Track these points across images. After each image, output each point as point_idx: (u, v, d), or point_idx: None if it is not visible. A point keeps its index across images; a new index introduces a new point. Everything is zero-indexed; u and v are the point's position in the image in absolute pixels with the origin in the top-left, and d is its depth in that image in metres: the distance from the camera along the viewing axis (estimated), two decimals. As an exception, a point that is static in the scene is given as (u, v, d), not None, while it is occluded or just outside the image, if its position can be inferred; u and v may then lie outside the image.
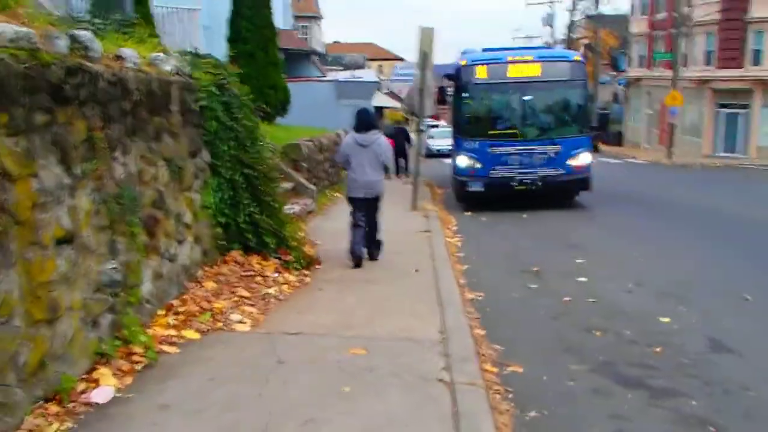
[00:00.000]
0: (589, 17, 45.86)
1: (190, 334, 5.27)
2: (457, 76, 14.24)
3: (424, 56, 12.93)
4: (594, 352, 5.31)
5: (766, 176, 23.25)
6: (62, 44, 4.16)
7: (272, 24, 17.50)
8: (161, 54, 5.92)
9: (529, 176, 13.67)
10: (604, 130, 15.44)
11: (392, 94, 33.48)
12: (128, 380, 4.36)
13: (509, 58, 14.29)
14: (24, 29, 3.71)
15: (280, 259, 7.48)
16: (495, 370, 4.95)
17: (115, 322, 4.69)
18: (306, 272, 7.52)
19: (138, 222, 5.05)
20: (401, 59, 69.55)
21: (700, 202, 15.24)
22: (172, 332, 5.22)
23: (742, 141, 31.85)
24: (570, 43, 44.80)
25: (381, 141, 8.28)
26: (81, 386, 4.09)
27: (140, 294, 5.11)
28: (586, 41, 46.36)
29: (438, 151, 30.42)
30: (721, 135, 32.68)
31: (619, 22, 43.91)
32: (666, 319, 6.10)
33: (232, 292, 6.28)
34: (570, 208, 14.06)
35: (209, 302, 5.90)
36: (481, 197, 13.98)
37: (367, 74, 31.46)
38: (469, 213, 13.73)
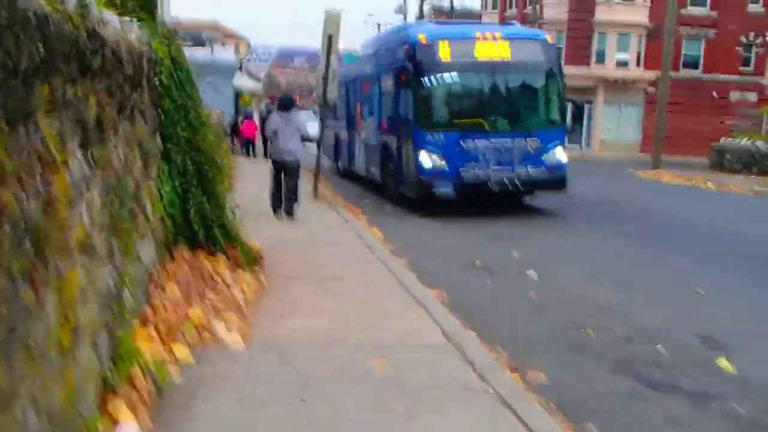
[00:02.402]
0: (436, 10, 47.09)
1: (181, 349, 4.53)
2: (412, 55, 11.70)
3: (329, 40, 12.41)
4: (601, 351, 5.28)
5: (609, 166, 25.19)
6: (72, 2, 3.31)
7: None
8: (127, 18, 5.01)
9: (506, 175, 11.67)
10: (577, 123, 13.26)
11: (250, 75, 32.24)
12: (144, 411, 3.63)
13: (477, 34, 12.02)
14: (57, -23, 2.88)
15: (226, 254, 6.76)
16: (518, 376, 4.74)
17: (111, 341, 3.89)
18: (256, 268, 6.86)
19: (128, 218, 4.24)
20: (245, 39, 67.33)
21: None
22: (160, 347, 4.46)
23: (586, 135, 34.49)
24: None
25: (300, 117, 10.89)
26: (101, 425, 3.33)
27: (124, 304, 4.30)
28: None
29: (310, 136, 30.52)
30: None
31: (470, 18, 45.52)
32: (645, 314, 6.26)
33: (201, 297, 5.53)
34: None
35: (183, 310, 5.14)
36: (448, 200, 11.80)
37: (226, 52, 29.95)
38: (368, 201, 13.47)
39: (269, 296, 6.07)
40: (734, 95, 34.91)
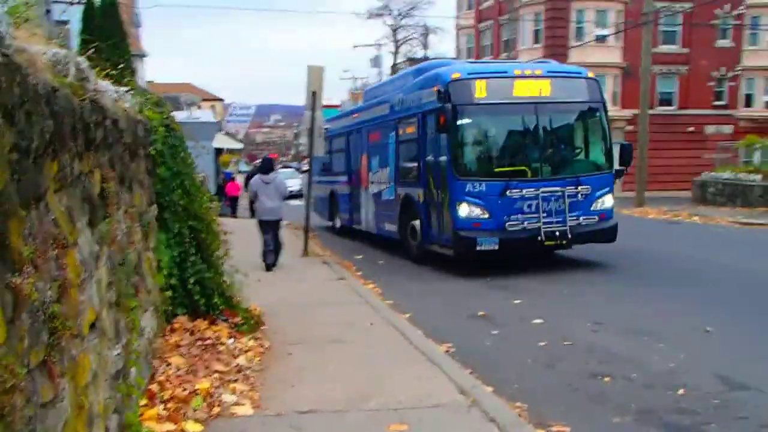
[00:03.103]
0: (411, 60, 47.97)
1: (193, 426, 4.31)
2: (446, 96, 10.36)
3: (313, 96, 12.46)
4: (621, 401, 5.12)
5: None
6: (73, 72, 3.23)
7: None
8: (119, 87, 4.94)
9: (557, 227, 10.42)
10: (628, 165, 11.65)
11: (229, 135, 32.30)
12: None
13: (516, 72, 10.88)
14: (63, 51, 2.80)
15: (227, 321, 6.58)
16: None
17: (120, 425, 3.68)
18: (258, 335, 6.67)
19: (133, 294, 4.08)
20: (220, 99, 68.04)
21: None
22: (171, 426, 4.24)
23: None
24: (394, 85, 46.51)
25: (280, 179, 11.70)
26: None
27: (131, 383, 4.10)
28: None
29: (291, 191, 31.01)
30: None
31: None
32: (656, 357, 6.13)
33: (207, 368, 5.33)
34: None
35: (190, 383, 4.93)
36: (491, 257, 10.51)
37: (205, 114, 30.03)
38: (361, 256, 13.33)
39: (275, 363, 5.85)
40: (709, 129, 35.56)
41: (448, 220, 10.66)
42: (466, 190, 10.34)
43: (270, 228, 11.11)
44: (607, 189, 10.99)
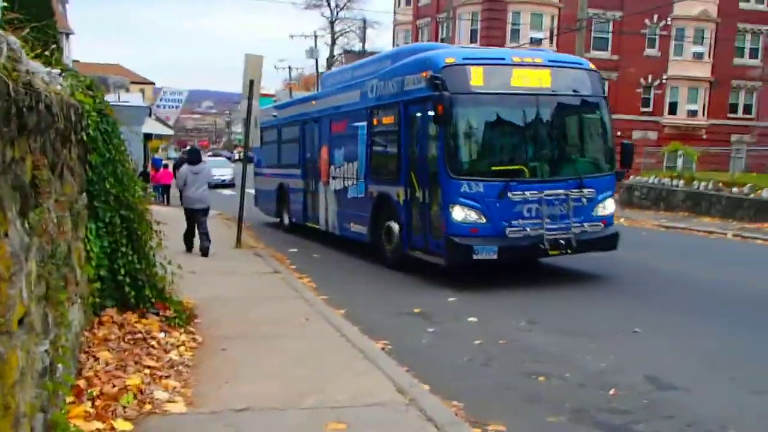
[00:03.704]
0: (348, 52, 47.86)
1: (123, 425, 4.14)
2: (438, 83, 9.07)
3: (251, 84, 12.23)
4: (555, 400, 5.23)
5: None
6: (5, 52, 3.03)
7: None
8: (50, 68, 4.69)
9: (562, 234, 9.40)
10: (629, 167, 11.21)
11: (160, 120, 31.39)
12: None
13: (515, 59, 9.75)
14: (-2, 29, 2.61)
15: (158, 314, 6.37)
16: (480, 431, 4.62)
17: (46, 424, 3.50)
18: (191, 329, 6.49)
19: (63, 286, 3.88)
20: (151, 83, 65.85)
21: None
22: (99, 425, 4.06)
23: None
24: (331, 77, 46.35)
25: (207, 168, 12.39)
26: None
27: (58, 380, 3.91)
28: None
29: (223, 181, 31.20)
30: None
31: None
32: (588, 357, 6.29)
33: (137, 363, 5.14)
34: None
35: (120, 378, 4.74)
36: (488, 265, 9.49)
37: (134, 98, 29.02)
38: (296, 249, 13.20)
39: (209, 358, 5.71)
40: (636, 134, 36.93)
41: (438, 225, 9.49)
42: (462, 191, 9.13)
43: (199, 216, 11.46)
44: (609, 192, 10.12)
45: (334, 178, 13.11)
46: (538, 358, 6.29)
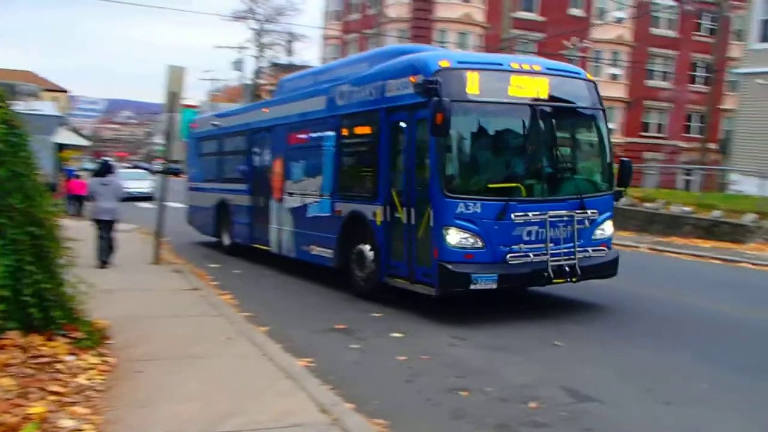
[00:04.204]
0: (275, 65, 47.42)
1: (24, 456, 3.88)
2: (430, 88, 8.05)
3: (173, 97, 11.91)
4: (479, 415, 5.24)
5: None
6: None
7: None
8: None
9: (566, 260, 8.50)
10: (627, 185, 9.80)
11: (74, 130, 30.15)
12: None
13: (513, 65, 8.79)
14: None
15: (66, 336, 6.04)
16: (404, 449, 4.57)
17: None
18: (103, 350, 6.19)
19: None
20: (64, 91, 63.58)
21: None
22: (-2, 458, 3.79)
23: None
24: (256, 88, 45.92)
25: (117, 182, 12.51)
26: None
27: (-49, 410, 3.62)
28: (270, 88, 47.92)
29: (140, 193, 30.48)
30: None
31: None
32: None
33: (42, 389, 4.84)
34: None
35: (21, 407, 4.45)
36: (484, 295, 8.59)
37: (46, 107, 27.81)
38: (218, 265, 12.88)
39: (123, 382, 5.45)
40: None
41: (427, 250, 8.38)
42: (458, 211, 8.07)
43: (105, 227, 11.63)
44: (609, 213, 9.18)
45: (290, 194, 11.83)
46: (462, 374, 6.30)
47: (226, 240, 14.84)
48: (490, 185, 8.50)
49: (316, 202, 10.86)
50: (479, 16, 38.83)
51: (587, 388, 5.85)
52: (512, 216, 8.21)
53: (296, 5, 70.21)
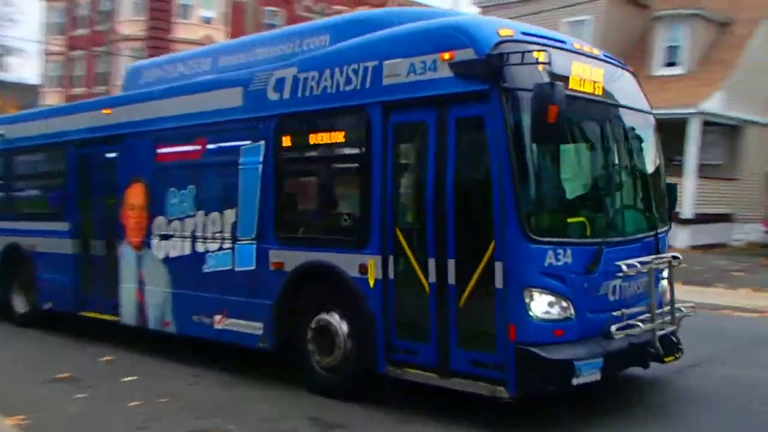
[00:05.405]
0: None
1: None
2: (498, 70, 5.19)
3: None
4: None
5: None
6: None
7: None
8: None
9: (669, 326, 6.00)
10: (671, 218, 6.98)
11: None
12: None
13: (575, 45, 6.06)
14: None
15: None
16: None
17: None
18: None
19: None
20: None
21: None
22: None
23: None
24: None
25: None
26: None
27: None
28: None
29: None
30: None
31: (27, 90, 41.76)
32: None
33: None
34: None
35: None
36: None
37: None
38: None
39: None
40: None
41: (485, 326, 5.40)
42: (546, 263, 5.22)
43: None
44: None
45: (164, 237, 8.00)
46: (204, 414, 5.93)
47: (20, 305, 10.32)
48: (573, 219, 5.84)
49: (226, 249, 7.30)
50: (221, 37, 38.36)
51: (330, 416, 5.82)
52: (608, 266, 5.52)
53: (11, 15, 63.31)
